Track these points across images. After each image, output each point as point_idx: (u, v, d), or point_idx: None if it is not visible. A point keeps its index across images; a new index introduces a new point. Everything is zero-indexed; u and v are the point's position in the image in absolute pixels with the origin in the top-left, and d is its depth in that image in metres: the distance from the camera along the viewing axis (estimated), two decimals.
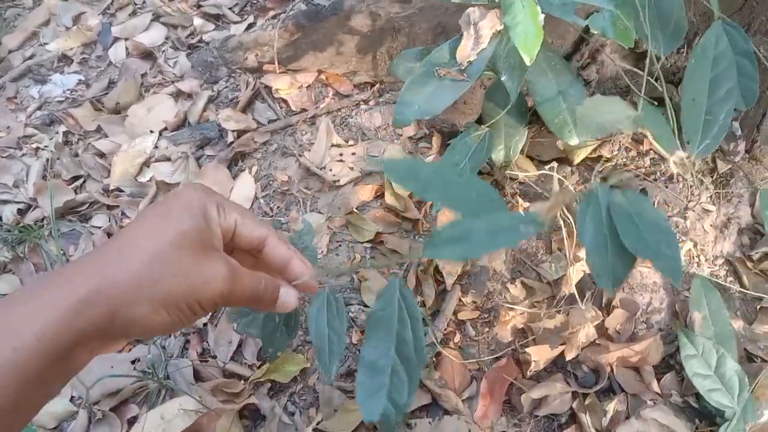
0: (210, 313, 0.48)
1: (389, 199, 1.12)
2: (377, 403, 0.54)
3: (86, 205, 1.23)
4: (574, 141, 0.89)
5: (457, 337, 0.97)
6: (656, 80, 0.95)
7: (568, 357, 0.93)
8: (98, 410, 0.98)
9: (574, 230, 0.96)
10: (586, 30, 0.89)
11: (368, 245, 1.10)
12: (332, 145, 1.23)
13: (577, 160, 1.10)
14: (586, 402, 0.91)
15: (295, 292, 0.52)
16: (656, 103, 0.88)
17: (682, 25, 0.92)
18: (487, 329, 0.98)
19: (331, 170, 1.19)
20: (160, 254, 0.41)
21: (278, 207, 1.17)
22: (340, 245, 1.10)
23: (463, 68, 0.86)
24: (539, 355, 0.94)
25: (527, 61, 0.76)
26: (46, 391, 0.38)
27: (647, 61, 1.11)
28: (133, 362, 1.03)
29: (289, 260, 0.52)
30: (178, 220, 0.43)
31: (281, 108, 1.31)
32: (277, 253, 0.51)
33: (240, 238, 0.49)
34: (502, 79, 0.85)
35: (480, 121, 1.14)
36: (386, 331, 0.56)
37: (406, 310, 0.56)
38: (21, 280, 1.14)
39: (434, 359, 0.95)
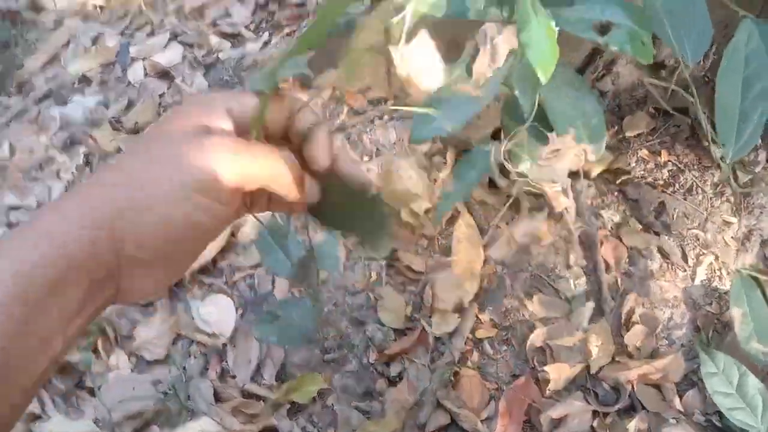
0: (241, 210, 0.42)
1: (405, 215, 1.12)
2: None
3: None
4: (590, 157, 0.87)
5: (475, 356, 0.97)
6: (685, 89, 0.94)
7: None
8: None
9: None
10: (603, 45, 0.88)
11: (383, 262, 1.10)
12: None
13: (595, 173, 1.09)
14: (607, 421, 0.90)
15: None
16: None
17: (707, 31, 0.91)
18: (505, 347, 0.98)
19: None
20: (148, 160, 0.36)
21: (295, 226, 1.18)
22: (355, 263, 1.10)
23: (479, 85, 0.85)
24: (558, 374, 0.93)
25: (543, 80, 0.75)
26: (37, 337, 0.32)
27: (667, 70, 1.10)
28: (154, 383, 1.04)
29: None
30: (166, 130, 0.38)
31: None
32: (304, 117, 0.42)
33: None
34: (516, 94, 0.85)
35: (497, 134, 1.13)
36: None
37: None
38: None
39: (452, 379, 0.95)
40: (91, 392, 1.05)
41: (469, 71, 0.88)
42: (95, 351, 1.07)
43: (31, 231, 0.33)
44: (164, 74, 1.52)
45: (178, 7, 1.66)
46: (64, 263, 0.32)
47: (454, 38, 1.18)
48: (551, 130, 0.99)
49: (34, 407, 1.04)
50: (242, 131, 0.40)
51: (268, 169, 0.39)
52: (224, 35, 1.57)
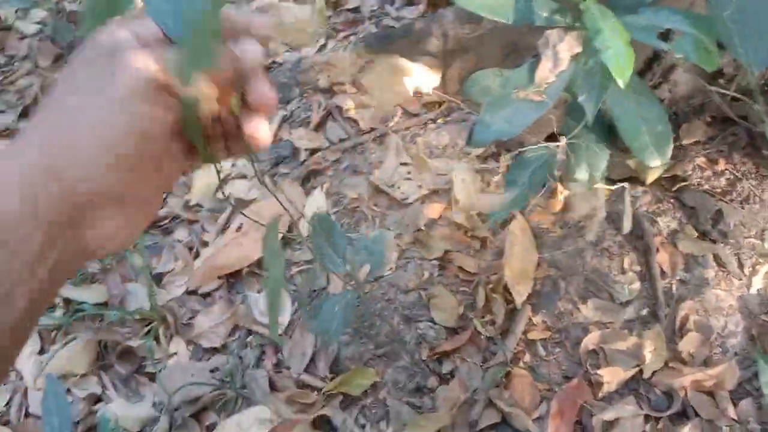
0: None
1: (457, 216, 1.13)
2: None
3: (168, 219, 1.30)
4: (655, 163, 0.88)
5: (528, 357, 0.98)
6: (746, 97, 0.94)
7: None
8: (179, 416, 1.03)
9: None
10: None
11: (436, 262, 1.12)
12: (401, 164, 1.26)
13: (650, 179, 1.09)
14: (659, 426, 0.90)
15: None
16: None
17: None
18: (558, 349, 0.98)
19: (399, 188, 1.22)
20: (70, 88, 0.35)
21: (348, 223, 1.21)
22: (408, 262, 1.13)
23: (541, 90, 0.87)
24: (611, 377, 0.93)
25: (621, 84, 0.75)
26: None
27: (725, 78, 1.10)
28: (212, 371, 1.08)
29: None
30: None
31: (352, 127, 1.35)
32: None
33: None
34: (579, 99, 0.86)
35: (551, 138, 1.14)
36: None
37: None
38: (108, 289, 1.21)
39: (503, 378, 0.96)
40: (151, 377, 1.09)
41: (531, 76, 0.90)
42: (156, 338, 1.12)
43: None
44: None
45: None
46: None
47: (513, 42, 1.20)
48: (609, 139, 1.00)
49: (95, 389, 1.09)
50: None
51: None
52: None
